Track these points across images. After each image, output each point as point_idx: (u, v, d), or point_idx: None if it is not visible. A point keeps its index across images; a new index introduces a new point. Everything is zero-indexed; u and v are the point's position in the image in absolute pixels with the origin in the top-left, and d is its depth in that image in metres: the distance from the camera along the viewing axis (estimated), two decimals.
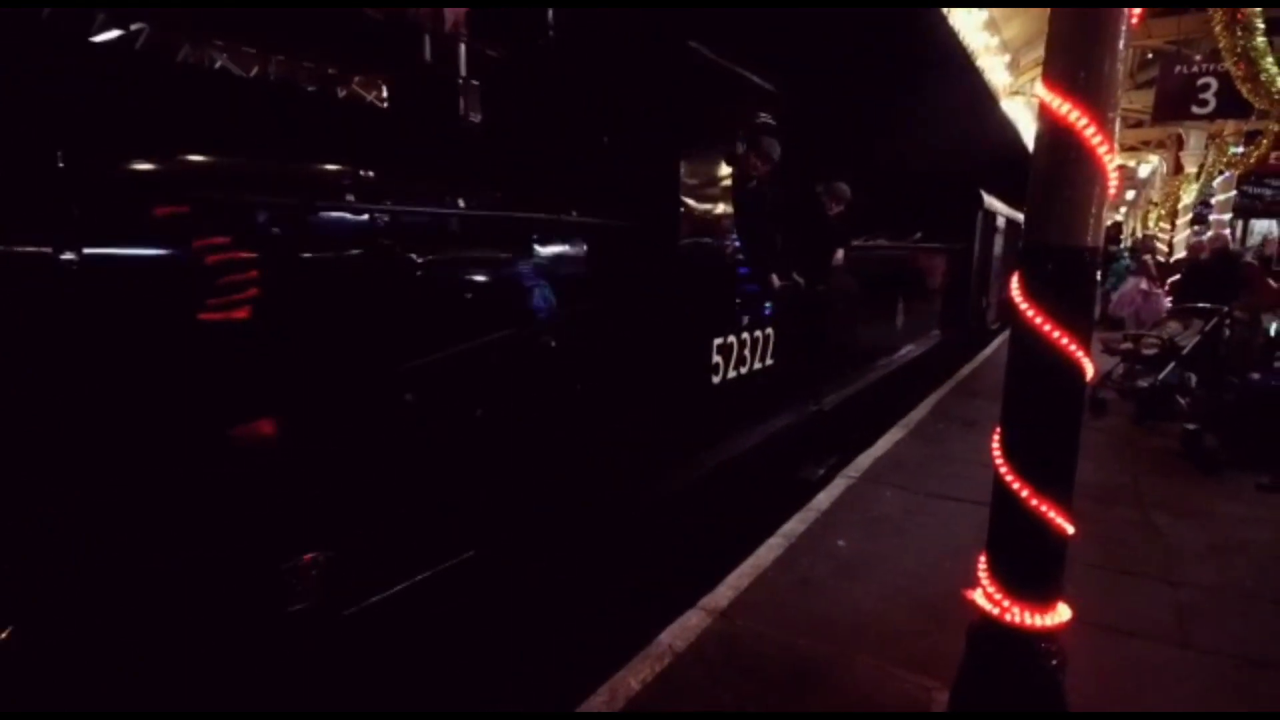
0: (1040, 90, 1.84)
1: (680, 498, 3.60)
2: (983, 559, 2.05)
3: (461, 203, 2.52)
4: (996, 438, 1.99)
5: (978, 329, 11.14)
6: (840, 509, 4.15)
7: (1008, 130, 12.41)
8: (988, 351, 10.57)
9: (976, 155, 10.44)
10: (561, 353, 2.85)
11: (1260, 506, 4.33)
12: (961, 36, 8.94)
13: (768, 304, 4.42)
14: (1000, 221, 11.90)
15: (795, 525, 3.87)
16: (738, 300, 4.11)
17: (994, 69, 12.27)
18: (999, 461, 1.96)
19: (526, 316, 2.71)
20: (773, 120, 4.42)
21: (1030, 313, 1.85)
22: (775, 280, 4.51)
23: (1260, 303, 7.40)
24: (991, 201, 10.83)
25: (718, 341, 3.88)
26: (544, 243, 2.82)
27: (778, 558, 3.48)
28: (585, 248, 3.05)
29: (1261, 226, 19.23)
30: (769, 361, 4.47)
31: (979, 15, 10.42)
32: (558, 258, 2.91)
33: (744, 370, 4.16)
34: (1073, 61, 1.76)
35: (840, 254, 5.46)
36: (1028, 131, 15.51)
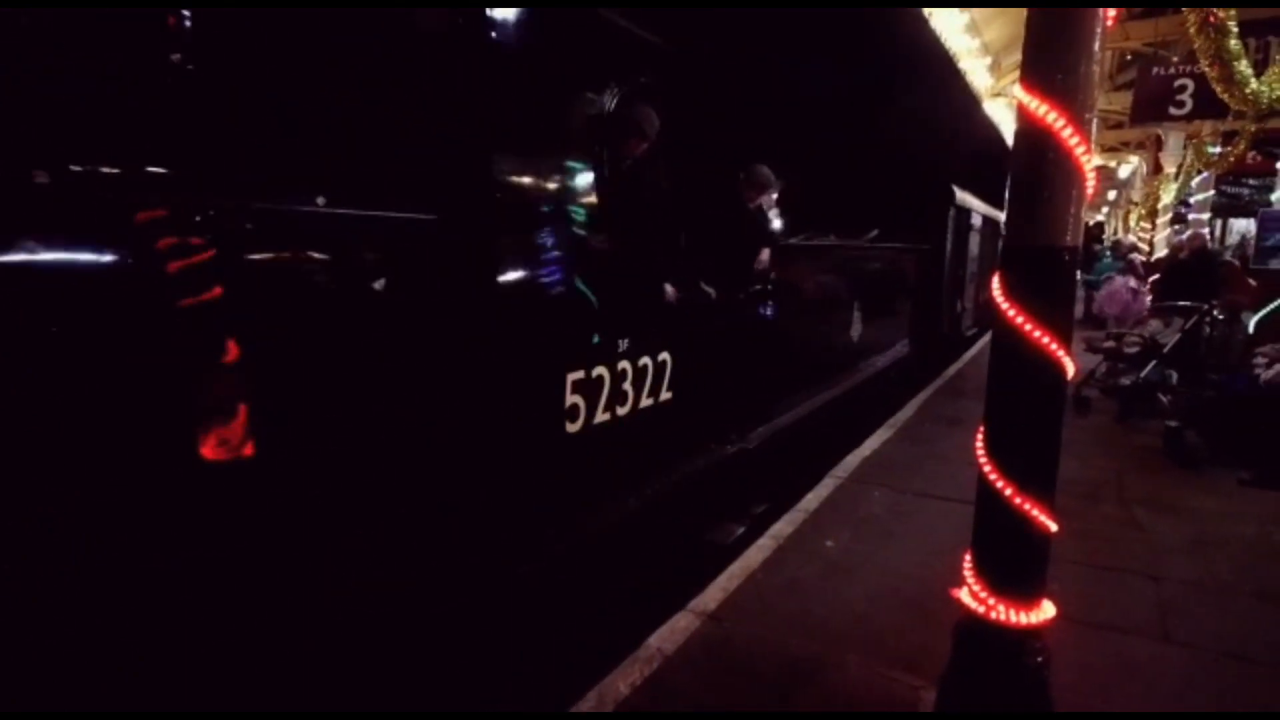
0: (1018, 92, 1.86)
1: (508, 599, 2.63)
2: (968, 557, 2.07)
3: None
4: (980, 436, 2.01)
5: (952, 336, 10.39)
6: (828, 510, 4.17)
7: (976, 114, 12.09)
8: (965, 359, 10.23)
9: (947, 146, 10.31)
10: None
11: (1241, 502, 4.39)
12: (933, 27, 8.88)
13: (660, 321, 3.54)
14: (976, 220, 11.18)
15: (783, 527, 3.88)
16: (609, 319, 3.08)
17: (976, 71, 12.39)
18: (982, 460, 1.98)
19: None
20: (654, 82, 3.41)
21: (1011, 312, 1.87)
22: (670, 290, 3.62)
23: (1239, 301, 7.51)
24: (965, 197, 10.08)
25: (575, 376, 2.87)
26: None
27: (766, 559, 3.49)
28: (364, 251, 2.05)
29: (1240, 225, 19.54)
30: (665, 396, 3.54)
31: (960, 17, 10.50)
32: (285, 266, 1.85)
33: (623, 410, 3.22)
34: (1049, 64, 1.78)
35: (766, 255, 4.50)
36: (1009, 131, 15.68)
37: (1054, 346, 1.84)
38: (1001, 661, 1.97)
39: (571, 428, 2.90)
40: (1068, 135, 1.76)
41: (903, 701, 2.45)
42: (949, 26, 10.57)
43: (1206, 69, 7.07)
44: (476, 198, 2.40)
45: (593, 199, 3.03)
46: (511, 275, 2.59)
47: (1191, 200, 16.61)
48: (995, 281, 1.93)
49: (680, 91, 3.61)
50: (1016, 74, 2.13)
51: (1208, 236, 10.93)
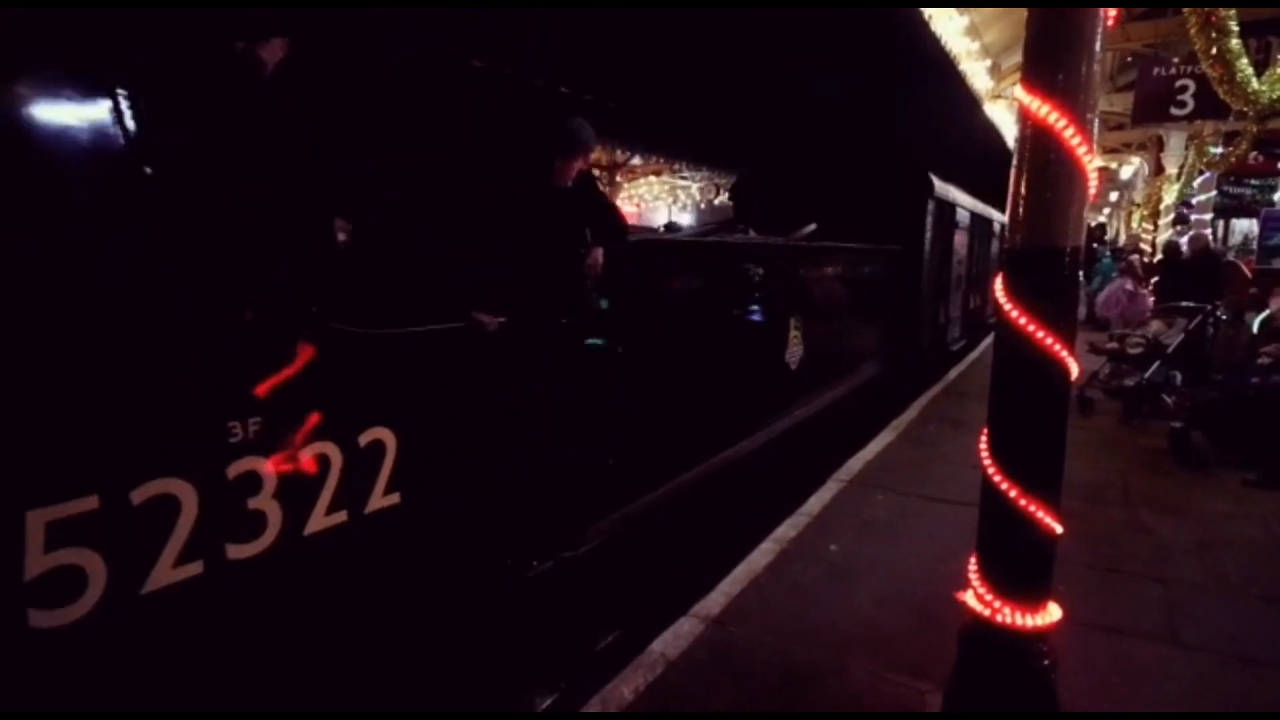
0: (1020, 93, 1.85)
1: None
2: (973, 560, 2.05)
3: None
4: (984, 438, 2.00)
5: (934, 351, 9.00)
6: (831, 513, 4.15)
7: (961, 89, 11.21)
8: (966, 361, 9.79)
9: (928, 130, 9.83)
10: None
11: (1247, 503, 4.37)
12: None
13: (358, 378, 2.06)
14: (963, 216, 9.79)
15: (787, 530, 3.86)
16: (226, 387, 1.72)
17: (976, 74, 12.38)
18: (987, 462, 1.97)
19: None
20: None
21: (1015, 314, 1.86)
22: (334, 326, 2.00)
23: (1242, 301, 7.49)
24: (946, 189, 8.65)
25: (143, 492, 1.55)
26: None
27: (770, 563, 3.48)
28: None
29: (1242, 226, 19.49)
30: (380, 502, 2.11)
31: (959, 20, 10.49)
32: None
33: (273, 541, 1.81)
34: (1050, 64, 1.78)
35: (599, 257, 3.06)
36: (1009, 134, 15.67)
37: (1058, 347, 1.83)
38: (1008, 665, 1.95)
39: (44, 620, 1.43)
40: (1069, 135, 1.75)
41: (908, 705, 2.44)
42: (948, 30, 10.57)
43: (1208, 69, 7.07)
44: None
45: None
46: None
47: (1194, 201, 16.57)
48: (998, 283, 1.93)
49: None
50: (1016, 76, 2.13)
51: (1210, 236, 10.91)
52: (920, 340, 8.27)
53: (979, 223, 11.00)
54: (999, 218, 12.39)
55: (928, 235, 8.00)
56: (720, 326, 4.35)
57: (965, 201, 9.85)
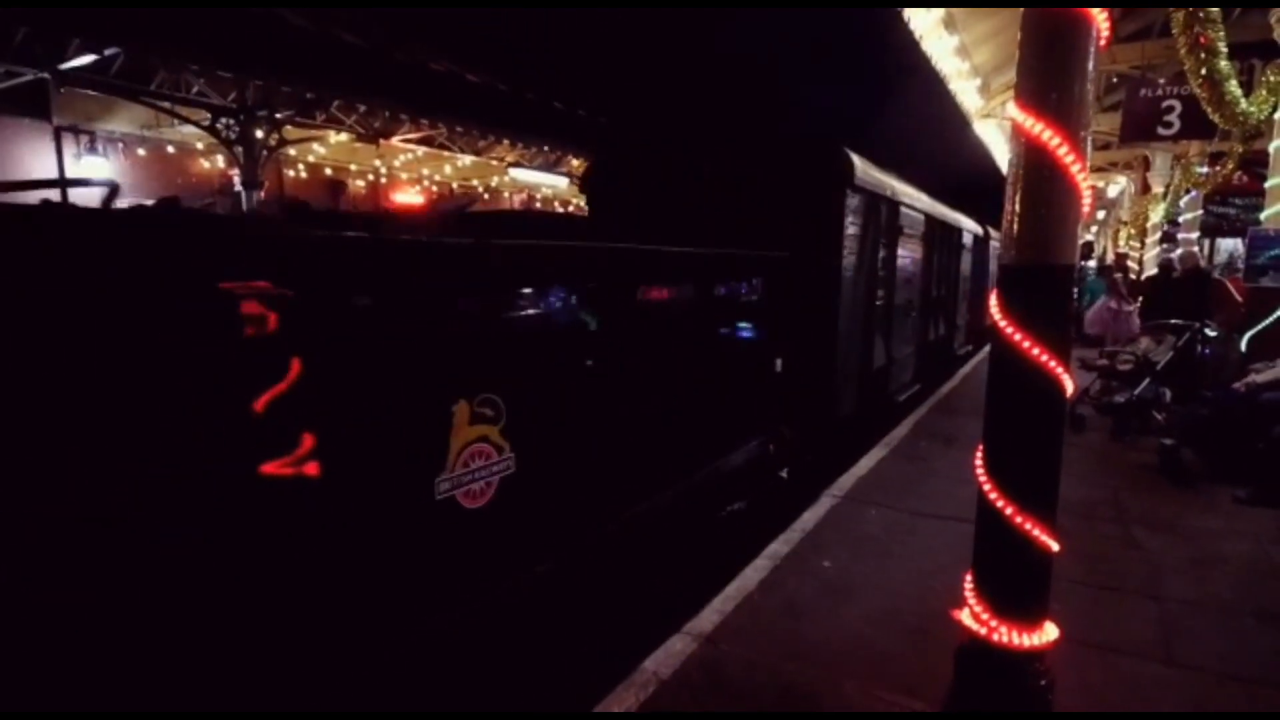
0: (1013, 111, 1.86)
1: None
2: (969, 578, 2.04)
3: None
4: (980, 455, 1.99)
5: (870, 406, 6.42)
6: (825, 529, 4.13)
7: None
8: (959, 375, 9.11)
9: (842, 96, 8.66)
10: None
11: (1238, 520, 4.37)
12: None
13: None
14: (913, 219, 7.46)
15: (780, 547, 3.83)
16: None
17: (966, 92, 12.51)
18: (982, 479, 1.96)
19: None
20: None
21: (1010, 330, 1.86)
22: None
23: (1232, 319, 7.56)
24: (880, 179, 6.17)
25: None
26: None
27: (763, 579, 3.45)
28: None
29: (1227, 245, 19.73)
30: None
31: (949, 41, 10.60)
32: None
33: None
34: (1044, 83, 1.79)
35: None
36: (1001, 156, 15.83)
37: (1053, 364, 1.83)
38: (1005, 685, 1.94)
39: None
40: (1063, 153, 1.76)
41: None
42: (939, 50, 10.69)
43: (1196, 90, 7.16)
44: None
45: None
46: None
47: (1180, 219, 16.78)
48: (993, 300, 1.93)
49: None
50: (1005, 95, 2.14)
51: (1198, 255, 11.03)
52: (838, 396, 5.58)
53: (941, 231, 8.78)
54: (969, 227, 11.04)
55: (848, 240, 5.48)
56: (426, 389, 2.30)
57: (917, 201, 7.49)
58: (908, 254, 7.50)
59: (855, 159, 5.51)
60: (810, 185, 5.41)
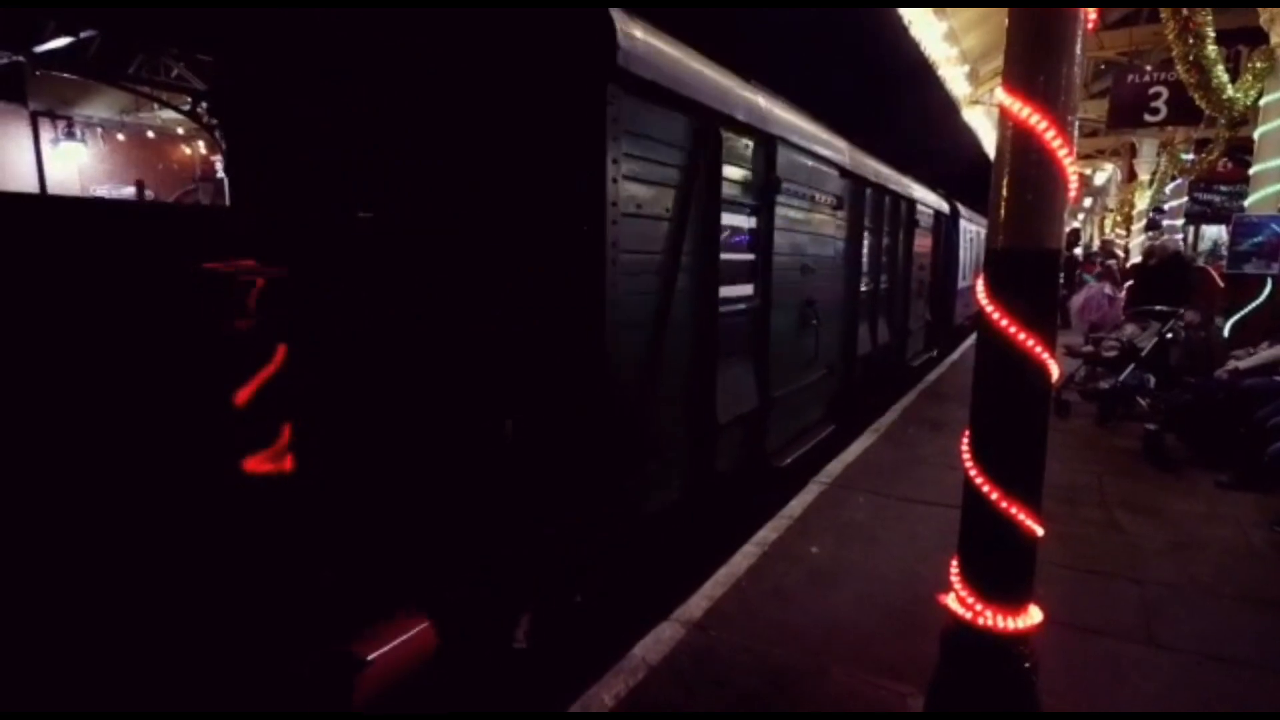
0: (1001, 95, 1.85)
1: None
2: (954, 563, 2.05)
3: None
4: (966, 441, 1.99)
5: (692, 489, 3.67)
6: (813, 515, 4.15)
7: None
8: (946, 362, 8.90)
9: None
10: None
11: (1219, 504, 4.43)
12: None
13: None
14: (804, 167, 4.70)
15: (768, 533, 3.85)
16: None
17: (955, 79, 12.49)
18: (968, 464, 1.96)
19: None
20: None
21: (996, 315, 1.85)
22: None
23: (1212, 306, 7.62)
24: (672, 55, 3.13)
25: None
26: None
27: (751, 566, 3.46)
28: None
29: (1211, 231, 19.91)
30: None
31: (939, 27, 10.57)
32: None
33: None
34: (1032, 67, 1.78)
35: None
36: (988, 142, 15.81)
37: (1039, 349, 1.83)
38: (990, 667, 1.95)
39: None
40: (1050, 137, 1.75)
41: (890, 708, 2.43)
42: (929, 36, 10.66)
43: (1184, 75, 7.19)
44: None
45: None
46: None
47: (1165, 206, 16.90)
48: (979, 284, 1.92)
49: None
50: (994, 82, 2.13)
51: (1181, 241, 11.10)
52: (633, 478, 3.18)
53: (878, 199, 6.69)
54: (928, 200, 8.96)
55: (623, 189, 2.90)
56: None
57: (818, 141, 4.93)
58: (803, 227, 4.85)
59: (633, 25, 2.86)
60: (538, 83, 2.82)
